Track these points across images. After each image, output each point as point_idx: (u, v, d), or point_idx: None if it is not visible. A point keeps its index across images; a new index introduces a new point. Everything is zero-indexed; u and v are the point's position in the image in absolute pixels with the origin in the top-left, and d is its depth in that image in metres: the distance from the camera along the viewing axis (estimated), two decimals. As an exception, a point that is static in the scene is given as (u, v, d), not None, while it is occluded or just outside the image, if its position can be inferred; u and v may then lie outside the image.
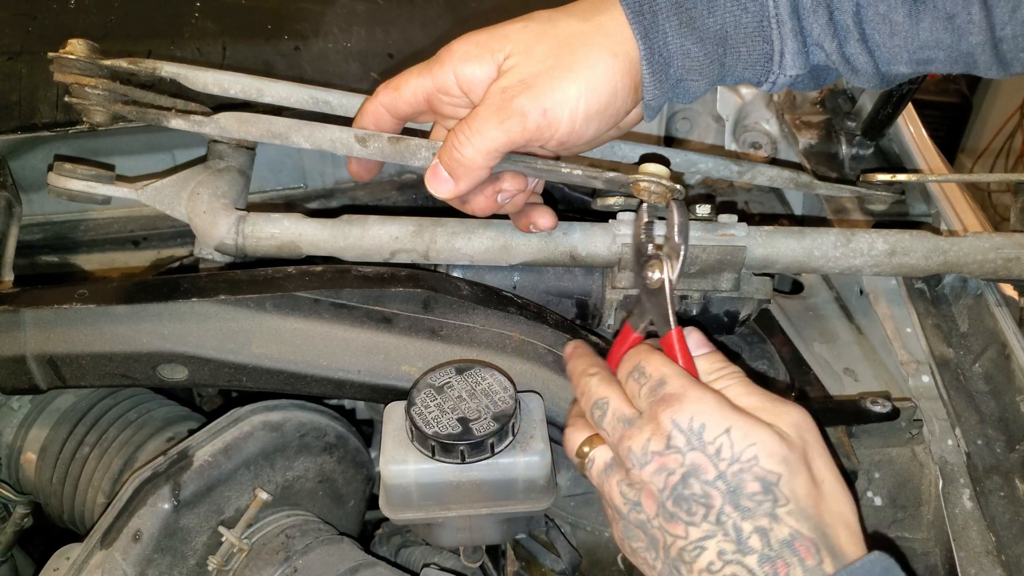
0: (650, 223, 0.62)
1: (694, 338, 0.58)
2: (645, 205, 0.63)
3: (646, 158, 0.81)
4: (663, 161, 0.72)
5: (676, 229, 0.59)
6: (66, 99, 0.71)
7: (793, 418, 0.52)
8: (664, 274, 0.59)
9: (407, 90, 0.67)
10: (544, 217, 0.73)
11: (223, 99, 0.77)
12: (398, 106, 0.68)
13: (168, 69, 0.75)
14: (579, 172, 0.64)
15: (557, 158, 0.69)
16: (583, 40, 0.60)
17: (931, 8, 0.58)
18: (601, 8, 0.62)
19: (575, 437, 0.58)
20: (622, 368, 0.58)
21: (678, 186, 0.62)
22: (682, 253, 0.59)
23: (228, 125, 0.71)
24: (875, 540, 0.50)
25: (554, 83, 0.60)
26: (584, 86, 0.60)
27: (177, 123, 0.71)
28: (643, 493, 0.53)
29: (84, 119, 0.71)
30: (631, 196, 0.66)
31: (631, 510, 0.54)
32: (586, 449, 0.57)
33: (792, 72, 0.62)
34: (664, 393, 0.53)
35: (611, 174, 0.62)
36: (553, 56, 0.60)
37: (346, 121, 0.75)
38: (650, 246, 0.61)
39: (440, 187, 0.66)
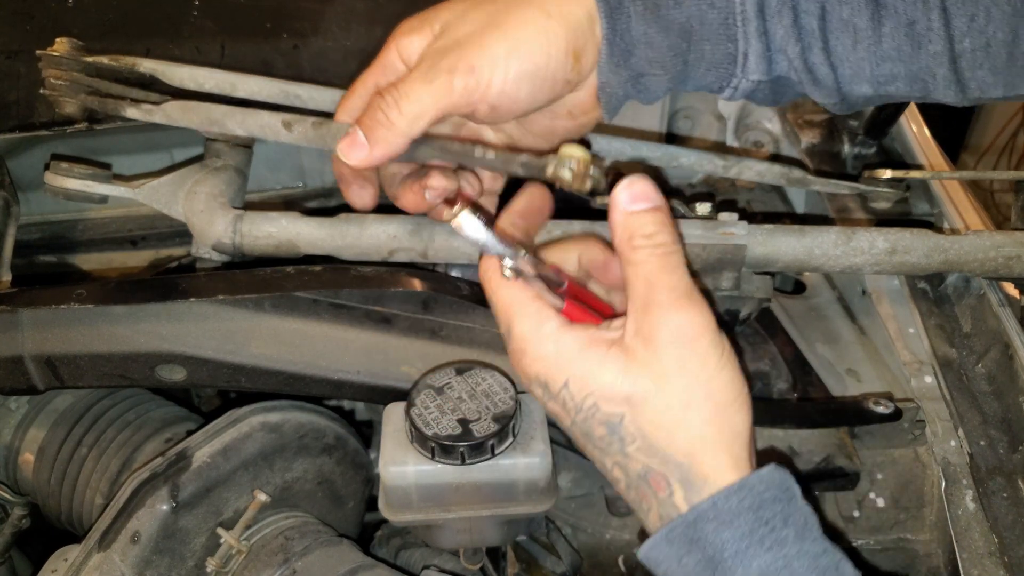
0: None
1: (637, 188, 0.53)
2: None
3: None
4: (588, 144, 0.71)
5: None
6: (40, 91, 0.73)
7: (672, 327, 0.50)
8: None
9: (358, 85, 0.65)
10: (434, 178, 0.64)
11: (200, 94, 0.78)
12: (354, 104, 0.65)
13: (147, 65, 0.77)
14: (492, 155, 0.61)
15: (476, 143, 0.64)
16: (519, 2, 0.59)
17: (892, 13, 0.57)
18: None
19: None
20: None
21: (593, 170, 0.58)
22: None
23: (174, 113, 0.73)
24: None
25: (483, 40, 0.58)
26: (513, 43, 0.57)
27: (132, 112, 0.74)
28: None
29: (57, 111, 0.75)
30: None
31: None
32: None
33: (754, 77, 0.61)
34: (511, 347, 0.56)
35: (525, 157, 0.60)
36: (486, 17, 0.59)
37: (318, 115, 0.74)
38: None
39: (354, 154, 0.61)
